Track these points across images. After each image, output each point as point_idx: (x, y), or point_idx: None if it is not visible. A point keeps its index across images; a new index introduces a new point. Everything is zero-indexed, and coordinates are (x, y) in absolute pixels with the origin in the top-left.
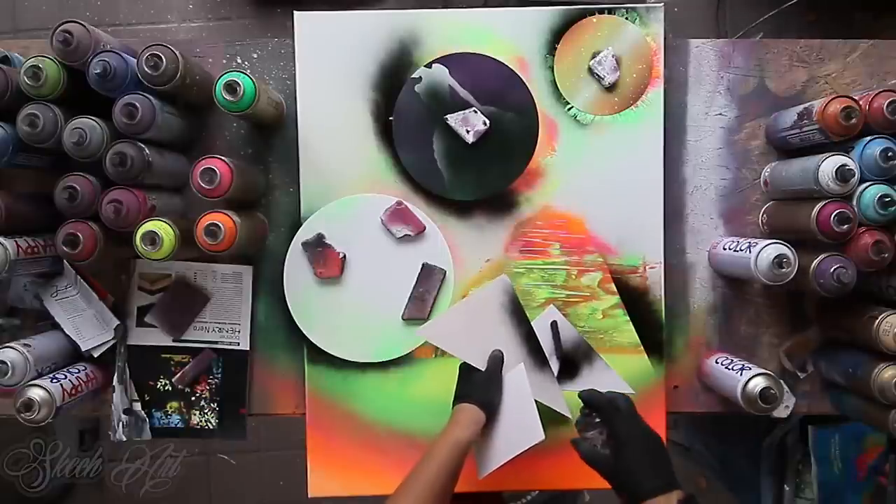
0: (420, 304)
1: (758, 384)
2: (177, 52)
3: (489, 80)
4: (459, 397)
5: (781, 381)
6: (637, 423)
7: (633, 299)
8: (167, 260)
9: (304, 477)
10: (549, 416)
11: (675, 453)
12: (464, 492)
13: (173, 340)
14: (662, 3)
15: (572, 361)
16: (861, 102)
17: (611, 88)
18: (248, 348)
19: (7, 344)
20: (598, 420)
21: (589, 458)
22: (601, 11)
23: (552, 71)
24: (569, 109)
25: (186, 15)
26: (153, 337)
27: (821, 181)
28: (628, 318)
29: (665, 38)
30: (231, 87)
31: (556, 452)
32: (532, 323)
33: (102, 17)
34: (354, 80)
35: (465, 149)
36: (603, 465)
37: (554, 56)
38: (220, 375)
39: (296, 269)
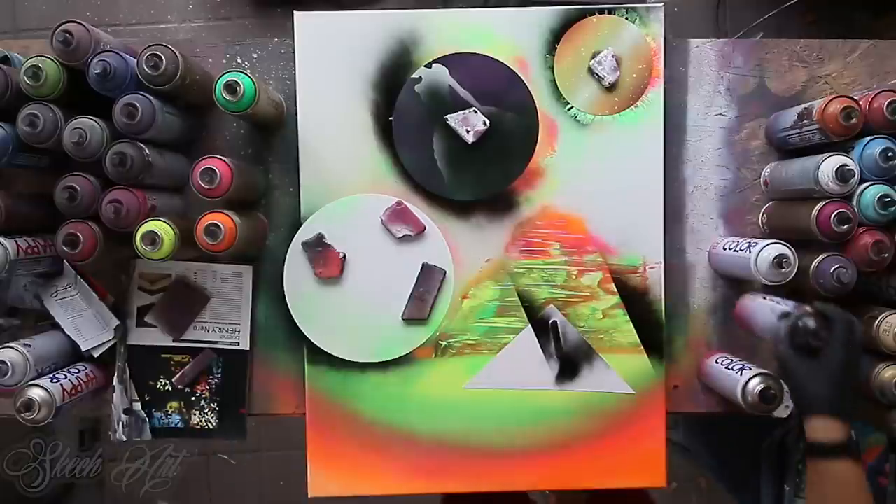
0: (420, 304)
1: (758, 384)
2: (177, 52)
3: (489, 80)
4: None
5: (781, 381)
6: (855, 355)
7: (633, 299)
8: (167, 260)
9: (304, 477)
10: (549, 416)
11: (674, 453)
12: (475, 492)
13: (173, 340)
14: (662, 3)
15: (572, 361)
16: (861, 102)
17: (611, 88)
18: (248, 348)
19: (7, 344)
20: (813, 329)
21: (789, 356)
22: (601, 11)
23: (552, 71)
24: (569, 109)
25: (186, 15)
26: (153, 337)
27: (821, 181)
28: (628, 318)
29: (665, 38)
30: (231, 87)
31: (556, 452)
32: (531, 323)
33: (102, 17)
34: (354, 80)
35: (465, 149)
36: (797, 368)
37: (554, 56)
38: (220, 375)
39: (296, 269)
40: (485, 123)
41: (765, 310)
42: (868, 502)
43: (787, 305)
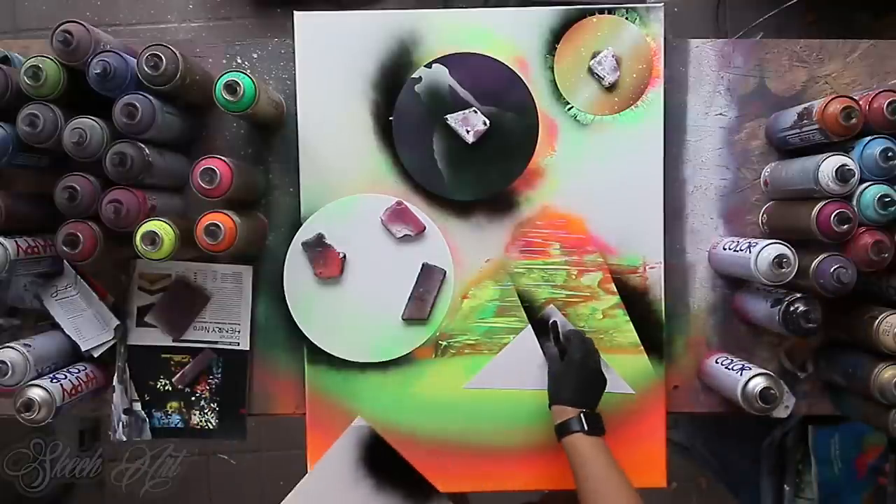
0: (420, 304)
1: (758, 384)
2: (177, 52)
3: (489, 80)
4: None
5: (781, 381)
6: (592, 359)
7: (633, 299)
8: (167, 260)
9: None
10: (549, 416)
11: (674, 453)
12: (473, 491)
13: (173, 340)
14: (662, 3)
15: None
16: (861, 102)
17: (611, 88)
18: (248, 348)
19: (7, 344)
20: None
21: (550, 359)
22: (601, 11)
23: (552, 71)
24: (569, 109)
25: (186, 15)
26: (153, 337)
27: (821, 181)
28: (628, 318)
29: (665, 38)
30: (231, 87)
31: (556, 452)
32: (531, 322)
33: (102, 17)
34: (354, 80)
35: (465, 149)
36: (553, 369)
37: (554, 56)
38: (220, 375)
39: (296, 269)
40: (485, 123)
41: (759, 297)
42: (606, 465)
43: (779, 293)
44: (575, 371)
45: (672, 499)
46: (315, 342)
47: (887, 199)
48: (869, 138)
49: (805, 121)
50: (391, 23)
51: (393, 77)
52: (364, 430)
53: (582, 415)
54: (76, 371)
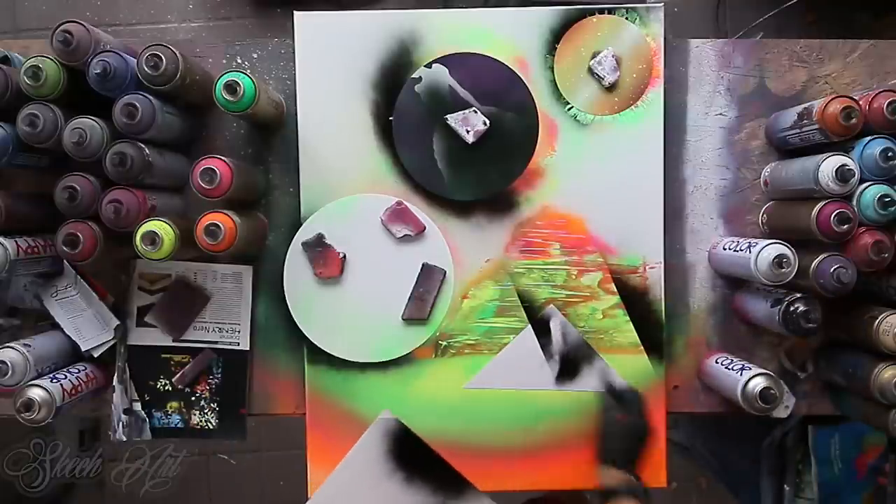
0: (420, 304)
1: (758, 384)
2: (177, 52)
3: (489, 80)
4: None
5: (781, 381)
6: (642, 421)
7: (633, 299)
8: (167, 260)
9: (304, 477)
10: (549, 416)
11: (674, 453)
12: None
13: (173, 340)
14: (662, 3)
15: (572, 361)
16: (861, 102)
17: (611, 88)
18: (248, 348)
19: (7, 344)
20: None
21: (607, 420)
22: (601, 11)
23: (552, 71)
24: (569, 109)
25: (186, 15)
26: (153, 337)
27: (821, 181)
28: (628, 318)
29: (665, 38)
30: (231, 87)
31: (556, 452)
32: (531, 322)
33: (102, 17)
34: (354, 80)
35: (465, 149)
36: (608, 430)
37: (554, 56)
38: (220, 375)
39: (296, 269)
40: (485, 123)
41: (759, 297)
42: None
43: (779, 293)
44: (632, 433)
45: (672, 499)
46: (315, 342)
47: (887, 199)
48: (869, 138)
49: (805, 121)
50: (391, 23)
51: (393, 77)
52: (392, 423)
53: (633, 478)
54: (76, 371)
